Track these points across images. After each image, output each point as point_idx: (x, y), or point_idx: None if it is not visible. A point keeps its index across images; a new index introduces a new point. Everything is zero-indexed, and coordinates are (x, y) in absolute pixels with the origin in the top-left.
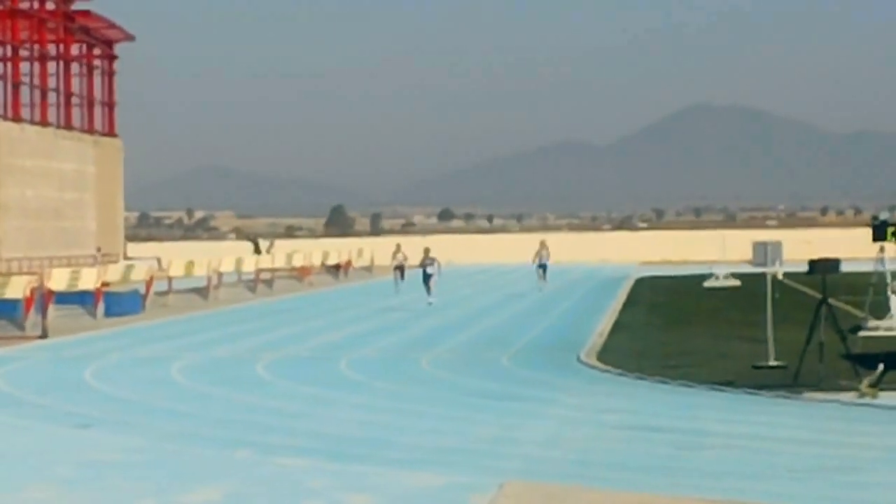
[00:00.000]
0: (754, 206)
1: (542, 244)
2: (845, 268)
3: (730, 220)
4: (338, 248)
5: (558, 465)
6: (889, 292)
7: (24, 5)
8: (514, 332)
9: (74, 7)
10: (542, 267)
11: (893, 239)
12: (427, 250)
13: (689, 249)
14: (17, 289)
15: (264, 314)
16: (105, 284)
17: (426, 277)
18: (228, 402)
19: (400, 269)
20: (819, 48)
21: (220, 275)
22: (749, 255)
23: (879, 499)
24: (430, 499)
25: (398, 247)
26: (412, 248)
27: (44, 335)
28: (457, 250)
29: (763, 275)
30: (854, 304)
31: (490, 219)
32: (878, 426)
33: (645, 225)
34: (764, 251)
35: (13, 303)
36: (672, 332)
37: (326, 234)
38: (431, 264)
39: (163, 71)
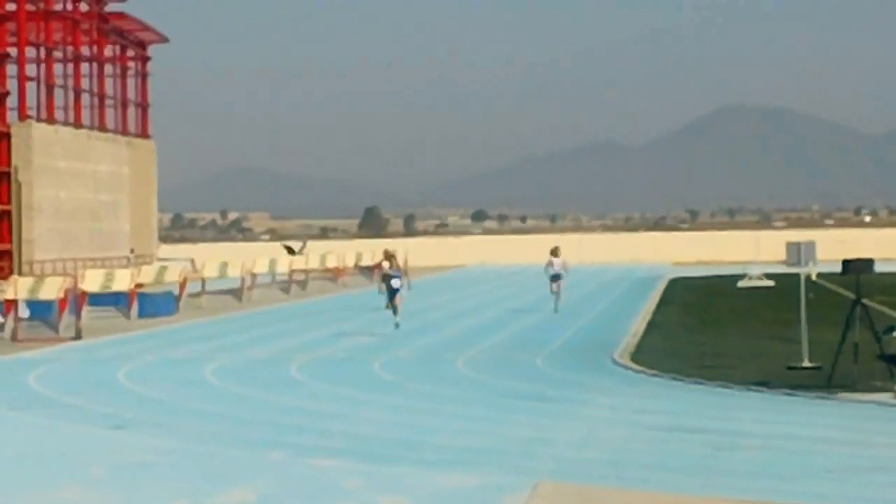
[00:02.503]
0: (789, 207)
1: (553, 251)
2: (879, 268)
3: (765, 221)
4: (371, 249)
5: (592, 465)
6: None
7: (58, 7)
8: (548, 333)
9: (108, 9)
10: (554, 278)
11: None
12: (392, 257)
13: (723, 250)
14: (50, 290)
15: (298, 315)
16: (139, 286)
17: (391, 293)
18: (262, 403)
19: (386, 277)
20: (852, 48)
21: (253, 276)
22: (783, 255)
23: None
24: (463, 500)
25: (386, 253)
26: (445, 249)
27: (77, 336)
28: (490, 251)
29: (797, 275)
30: (889, 305)
31: (524, 219)
32: None
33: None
34: (797, 251)
35: (47, 304)
36: (706, 332)
37: (360, 235)
38: (398, 276)
39: (196, 72)
